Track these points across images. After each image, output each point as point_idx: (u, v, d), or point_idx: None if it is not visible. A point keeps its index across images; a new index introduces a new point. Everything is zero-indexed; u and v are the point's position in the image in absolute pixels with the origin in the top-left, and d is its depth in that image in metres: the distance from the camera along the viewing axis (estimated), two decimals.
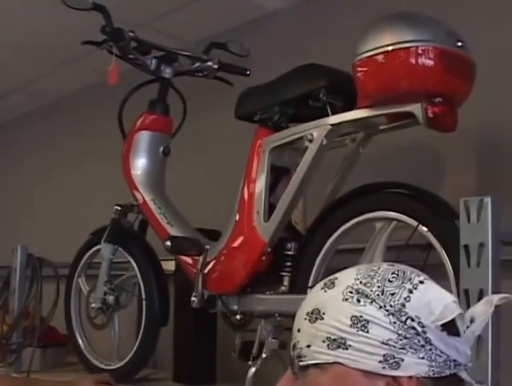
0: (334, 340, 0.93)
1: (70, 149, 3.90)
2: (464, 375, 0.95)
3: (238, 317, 2.03)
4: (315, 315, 0.96)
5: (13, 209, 4.40)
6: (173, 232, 2.14)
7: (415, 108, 1.54)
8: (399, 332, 0.91)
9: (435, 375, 0.92)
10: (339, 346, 0.92)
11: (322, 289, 0.98)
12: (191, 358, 2.47)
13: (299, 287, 1.80)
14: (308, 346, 0.95)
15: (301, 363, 0.96)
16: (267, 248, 1.86)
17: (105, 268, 2.42)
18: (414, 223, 1.59)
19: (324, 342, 0.94)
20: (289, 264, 1.88)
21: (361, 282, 0.95)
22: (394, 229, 1.71)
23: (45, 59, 3.40)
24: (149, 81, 2.36)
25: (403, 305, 0.92)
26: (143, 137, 2.33)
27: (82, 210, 3.60)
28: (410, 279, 0.95)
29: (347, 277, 0.98)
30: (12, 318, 2.76)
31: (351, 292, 0.94)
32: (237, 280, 1.94)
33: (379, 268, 0.97)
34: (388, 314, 0.91)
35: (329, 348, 0.93)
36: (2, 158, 4.68)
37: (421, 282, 0.95)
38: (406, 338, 0.91)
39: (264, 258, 1.87)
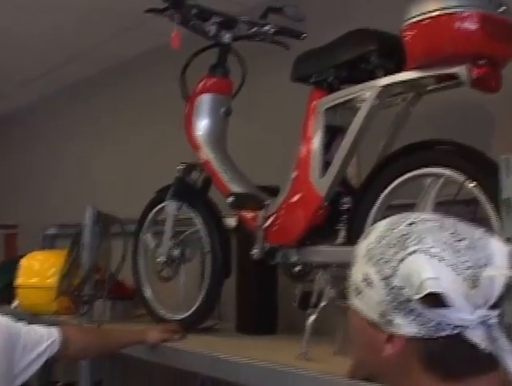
0: (355, 289, 1.15)
1: (135, 110, 4.13)
2: (471, 334, 1.06)
3: (297, 268, 2.23)
4: (353, 262, 1.18)
5: (82, 169, 4.67)
6: (234, 188, 2.36)
7: (460, 70, 1.70)
8: (389, 297, 1.09)
9: (427, 337, 1.07)
10: (357, 295, 1.14)
11: (362, 238, 1.19)
12: (253, 309, 2.70)
13: (355, 239, 1.98)
14: (348, 288, 1.17)
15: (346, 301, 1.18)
16: (323, 203, 2.05)
17: (170, 224, 2.64)
18: (461, 178, 1.75)
19: (351, 288, 1.16)
20: (344, 217, 2.06)
21: (375, 241, 1.14)
22: (442, 185, 1.87)
23: (109, 25, 3.63)
24: (209, 46, 2.56)
25: (392, 275, 1.08)
26: (205, 99, 2.54)
27: (147, 169, 3.83)
28: (405, 247, 1.08)
29: (373, 232, 1.17)
30: (83, 272, 3.03)
31: (367, 250, 1.15)
32: (296, 233, 2.14)
33: (394, 229, 1.12)
34: (382, 279, 1.10)
35: (353, 294, 1.16)
36: (70, 120, 4.94)
37: (413, 252, 1.07)
38: (395, 302, 1.08)
39: (321, 212, 2.06)
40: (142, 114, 4.02)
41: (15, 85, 5.15)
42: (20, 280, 3.40)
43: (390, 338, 1.11)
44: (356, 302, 1.16)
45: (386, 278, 1.09)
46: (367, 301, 1.13)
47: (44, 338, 2.40)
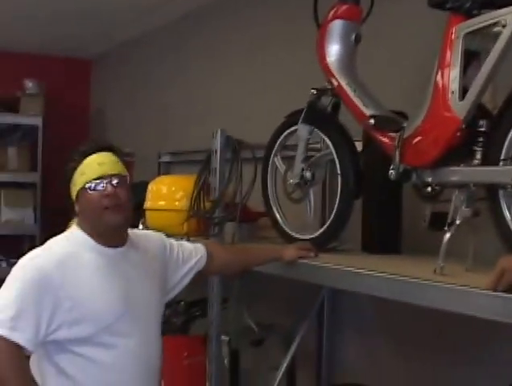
0: None
1: (266, 34, 4.26)
2: None
3: (429, 189, 2.39)
4: None
5: (210, 94, 4.84)
6: (369, 112, 2.52)
7: None
8: None
9: None
10: None
11: None
12: (378, 229, 2.88)
13: (492, 160, 2.13)
14: None
15: None
16: (462, 125, 2.19)
17: (302, 148, 2.83)
18: None
19: None
20: (481, 139, 2.20)
21: None
22: None
23: None
24: None
25: None
26: (336, 26, 2.69)
27: (275, 94, 4.00)
28: None
29: None
30: (214, 196, 3.25)
31: None
32: (432, 154, 2.29)
33: None
34: None
35: None
36: (195, 46, 5.12)
37: None
38: None
39: (458, 134, 2.21)
40: (273, 38, 4.15)
41: (141, 11, 5.35)
42: (148, 203, 3.65)
43: None
44: None
45: None
46: None
47: (193, 254, 2.65)
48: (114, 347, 2.31)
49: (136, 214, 3.65)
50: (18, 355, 2.19)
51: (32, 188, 6.58)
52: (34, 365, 2.37)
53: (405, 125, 2.40)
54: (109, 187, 2.30)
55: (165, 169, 5.12)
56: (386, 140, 2.47)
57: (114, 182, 2.32)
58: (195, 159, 4.36)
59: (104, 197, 2.30)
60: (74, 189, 2.35)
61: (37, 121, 6.56)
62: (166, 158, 5.14)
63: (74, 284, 2.26)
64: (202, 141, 3.53)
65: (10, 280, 2.26)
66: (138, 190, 3.63)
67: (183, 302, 4.13)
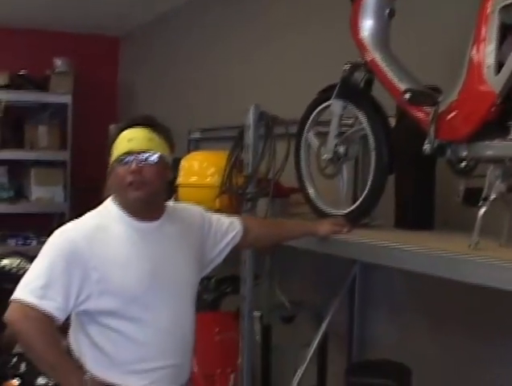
0: None
1: (295, 10, 4.26)
2: None
3: (464, 164, 2.41)
4: None
5: (243, 70, 4.85)
6: (403, 87, 2.53)
7: None
8: None
9: None
10: None
11: None
12: (411, 205, 2.89)
13: None
14: None
15: None
16: (497, 100, 2.19)
17: (335, 123, 2.85)
18: None
19: None
20: None
21: None
22: None
23: None
24: None
25: None
26: (370, 1, 2.70)
27: (308, 70, 4.01)
28: None
29: None
30: (247, 172, 3.29)
31: None
32: (468, 129, 2.30)
33: None
34: None
35: None
36: (225, 21, 5.14)
37: None
38: None
39: (493, 109, 2.21)
40: (307, 13, 4.14)
41: None
42: (180, 179, 3.69)
43: None
44: None
45: None
46: None
47: (230, 229, 2.69)
48: (143, 321, 2.36)
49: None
50: (48, 323, 2.25)
51: (62, 166, 6.66)
52: (71, 337, 2.44)
53: (440, 99, 2.42)
54: (134, 164, 2.34)
55: (195, 146, 5.16)
56: (420, 115, 2.49)
57: (141, 158, 2.35)
58: (225, 136, 4.41)
59: (129, 173, 2.34)
60: (110, 162, 2.40)
61: (66, 99, 6.61)
62: (196, 135, 5.18)
63: (102, 256, 2.32)
64: (232, 118, 3.56)
65: (42, 252, 2.34)
66: None
67: (213, 279, 4.19)
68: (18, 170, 6.76)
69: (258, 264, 3.41)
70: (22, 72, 6.61)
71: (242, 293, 3.37)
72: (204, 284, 4.21)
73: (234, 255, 3.26)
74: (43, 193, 6.56)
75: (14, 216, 6.51)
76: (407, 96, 2.38)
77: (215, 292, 4.18)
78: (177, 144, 4.82)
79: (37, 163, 6.65)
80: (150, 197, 2.38)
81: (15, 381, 3.44)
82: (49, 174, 6.65)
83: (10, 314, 2.26)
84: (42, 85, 6.63)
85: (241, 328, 3.41)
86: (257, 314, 3.42)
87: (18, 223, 6.59)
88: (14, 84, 6.51)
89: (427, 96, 2.44)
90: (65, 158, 6.64)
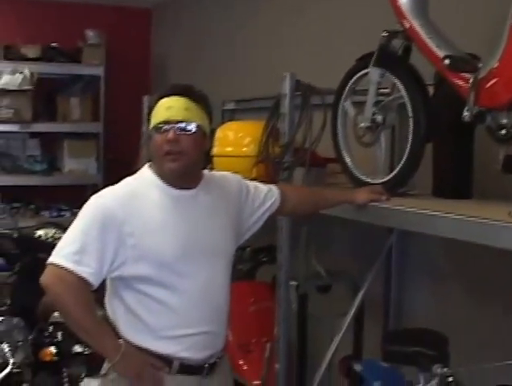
0: None
1: None
2: None
3: (504, 131, 2.41)
4: None
5: (278, 39, 4.84)
6: (443, 53, 2.54)
7: None
8: None
9: None
10: None
11: None
12: (449, 173, 2.91)
13: None
14: None
15: None
16: None
17: (373, 91, 2.87)
18: None
19: None
20: None
21: None
22: None
23: None
24: None
25: None
26: None
27: (345, 38, 4.02)
28: None
29: None
30: (284, 141, 3.32)
31: None
32: (508, 96, 2.32)
33: None
34: None
35: None
36: None
37: None
38: None
39: None
40: None
41: None
42: (216, 149, 3.73)
43: None
44: None
45: None
46: None
47: (268, 197, 2.73)
48: (177, 288, 2.40)
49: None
50: (83, 287, 2.31)
51: (95, 138, 6.73)
52: (107, 303, 2.50)
53: (480, 66, 2.43)
54: (172, 133, 2.37)
55: (229, 116, 5.19)
56: (460, 82, 2.50)
57: (179, 128, 2.37)
58: (259, 106, 4.44)
59: (166, 142, 2.37)
60: (148, 129, 2.45)
61: (99, 71, 6.66)
62: (230, 106, 5.21)
63: (137, 222, 2.36)
64: (267, 88, 3.58)
65: (78, 217, 2.39)
66: None
67: (249, 249, 4.24)
68: (50, 142, 6.85)
69: (294, 233, 3.44)
70: (53, 45, 6.66)
71: (279, 262, 3.41)
72: (240, 254, 4.26)
73: (271, 224, 3.31)
74: (75, 165, 6.64)
75: (47, 189, 6.60)
76: (447, 62, 2.40)
77: (251, 262, 4.23)
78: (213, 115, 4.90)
79: (70, 135, 6.72)
80: (187, 168, 2.41)
81: (52, 349, 3.51)
82: (82, 146, 6.72)
83: (45, 277, 2.32)
84: (74, 57, 6.68)
85: (277, 297, 3.46)
86: (293, 283, 3.46)
87: (51, 195, 6.69)
88: (46, 57, 6.57)
89: (466, 62, 2.45)
90: (98, 129, 6.70)
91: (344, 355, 3.53)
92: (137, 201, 2.40)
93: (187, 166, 2.41)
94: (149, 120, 2.45)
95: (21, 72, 6.27)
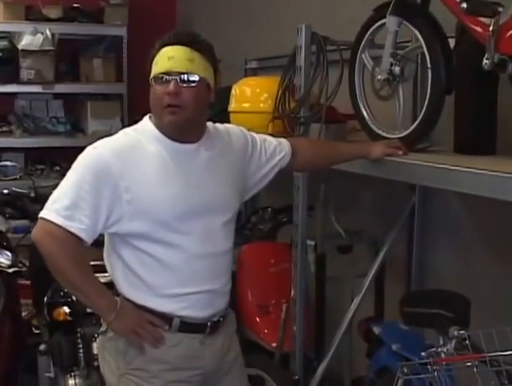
0: None
1: None
2: None
3: None
4: None
5: None
6: None
7: None
8: None
9: None
10: None
11: None
12: (472, 128, 2.77)
13: None
14: None
15: None
16: None
17: (390, 41, 2.74)
18: None
19: None
20: None
21: None
22: None
23: None
24: None
25: None
26: None
27: None
28: None
29: None
30: (299, 95, 3.21)
31: None
32: None
33: None
34: None
35: None
36: None
37: None
38: None
39: None
40: None
41: None
42: (233, 106, 3.65)
43: None
44: None
45: None
46: None
47: (277, 150, 2.62)
48: (175, 246, 2.32)
49: (221, 119, 3.69)
50: (73, 243, 2.23)
51: (119, 99, 6.65)
52: (105, 259, 2.44)
53: (501, 10, 2.30)
54: (173, 85, 2.27)
55: (252, 75, 5.11)
56: (479, 28, 2.37)
57: (180, 79, 2.28)
58: (281, 64, 4.32)
59: (166, 94, 2.28)
60: (150, 77, 2.34)
61: (122, 31, 6.58)
62: (252, 64, 5.11)
63: (135, 176, 2.27)
64: (289, 46, 3.46)
65: (71, 169, 2.31)
66: (223, 96, 3.63)
67: (270, 209, 4.16)
68: (73, 103, 6.79)
69: (312, 192, 3.35)
70: (75, 5, 6.57)
71: (295, 221, 3.33)
72: (260, 214, 4.19)
73: (291, 184, 3.24)
74: (99, 126, 6.57)
75: (70, 150, 6.51)
76: (464, 5, 2.26)
77: (271, 222, 4.15)
78: (234, 73, 4.82)
79: (93, 96, 6.66)
80: (187, 122, 2.32)
81: (65, 309, 3.48)
82: (105, 107, 6.66)
83: (35, 232, 2.26)
84: (96, 18, 6.60)
85: (293, 257, 3.38)
86: (310, 242, 3.37)
87: (75, 156, 6.60)
88: (68, 17, 6.48)
89: (486, 6, 2.31)
90: (121, 90, 6.61)
91: (365, 317, 3.45)
92: (135, 154, 2.30)
93: (187, 120, 2.31)
94: (150, 67, 2.35)
95: (42, 33, 6.19)
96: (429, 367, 2.33)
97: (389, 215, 3.48)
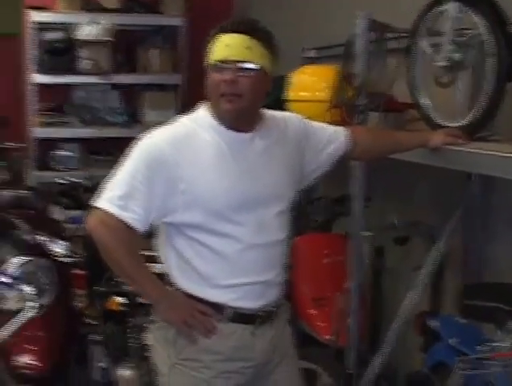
0: None
1: None
2: None
3: None
4: None
5: None
6: None
7: None
8: None
9: None
10: None
11: None
12: None
13: None
14: None
15: None
16: None
17: (450, 27, 2.71)
18: None
19: None
20: None
21: None
22: None
23: None
24: None
25: None
26: None
27: None
28: None
29: None
30: (357, 84, 3.19)
31: None
32: None
33: None
34: None
35: None
36: None
37: None
38: None
39: None
40: None
41: None
42: (291, 94, 3.64)
43: None
44: None
45: None
46: None
47: (333, 138, 2.61)
48: (229, 236, 2.32)
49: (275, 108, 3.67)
50: (126, 232, 2.25)
51: (175, 90, 6.68)
52: (159, 248, 2.45)
53: None
54: (230, 73, 2.27)
55: (309, 64, 5.07)
56: None
57: (237, 68, 2.27)
58: (339, 53, 4.29)
59: (223, 83, 2.27)
60: (207, 63, 2.34)
61: (179, 21, 6.59)
62: (310, 54, 5.08)
63: (190, 166, 2.28)
64: (347, 36, 3.44)
65: (127, 158, 2.33)
66: (278, 84, 3.61)
67: (325, 199, 4.14)
68: (130, 94, 6.83)
69: (369, 183, 3.33)
70: None
71: (352, 212, 3.32)
72: (316, 204, 4.17)
73: (348, 174, 3.22)
74: (156, 117, 6.58)
75: (127, 140, 6.58)
76: None
77: (326, 213, 4.13)
78: (289, 62, 4.80)
79: (150, 87, 6.71)
80: (243, 111, 2.31)
81: (118, 299, 3.52)
82: (162, 98, 6.69)
83: (89, 220, 2.29)
84: (153, 8, 6.63)
85: (348, 249, 3.36)
86: (367, 234, 3.35)
87: (131, 147, 6.67)
88: (125, 8, 6.51)
89: None
90: (178, 81, 6.64)
91: (421, 311, 3.42)
92: (190, 143, 2.32)
93: (243, 109, 2.31)
94: (207, 55, 2.35)
95: (99, 24, 6.26)
96: (486, 362, 2.30)
97: (447, 206, 3.44)
